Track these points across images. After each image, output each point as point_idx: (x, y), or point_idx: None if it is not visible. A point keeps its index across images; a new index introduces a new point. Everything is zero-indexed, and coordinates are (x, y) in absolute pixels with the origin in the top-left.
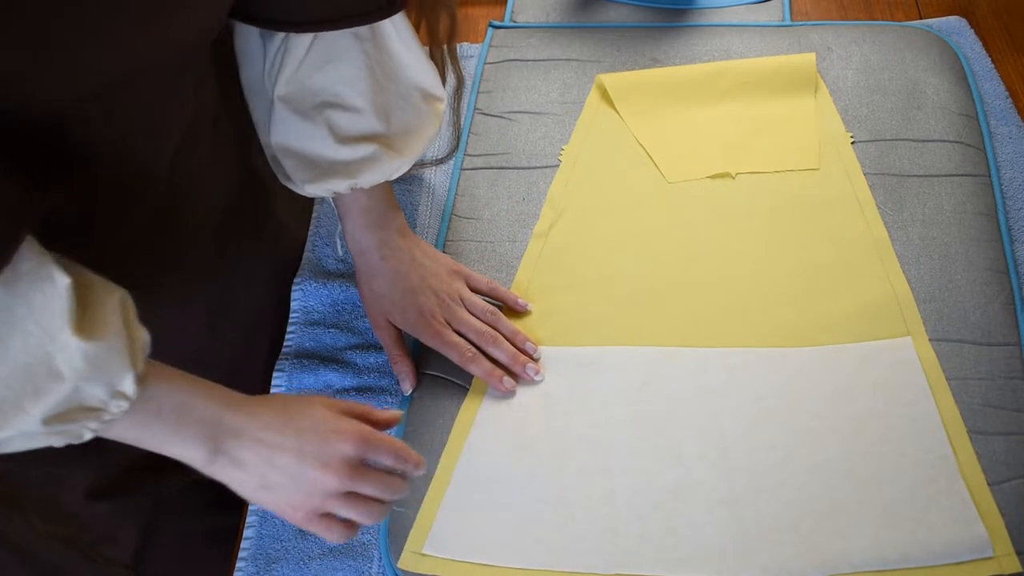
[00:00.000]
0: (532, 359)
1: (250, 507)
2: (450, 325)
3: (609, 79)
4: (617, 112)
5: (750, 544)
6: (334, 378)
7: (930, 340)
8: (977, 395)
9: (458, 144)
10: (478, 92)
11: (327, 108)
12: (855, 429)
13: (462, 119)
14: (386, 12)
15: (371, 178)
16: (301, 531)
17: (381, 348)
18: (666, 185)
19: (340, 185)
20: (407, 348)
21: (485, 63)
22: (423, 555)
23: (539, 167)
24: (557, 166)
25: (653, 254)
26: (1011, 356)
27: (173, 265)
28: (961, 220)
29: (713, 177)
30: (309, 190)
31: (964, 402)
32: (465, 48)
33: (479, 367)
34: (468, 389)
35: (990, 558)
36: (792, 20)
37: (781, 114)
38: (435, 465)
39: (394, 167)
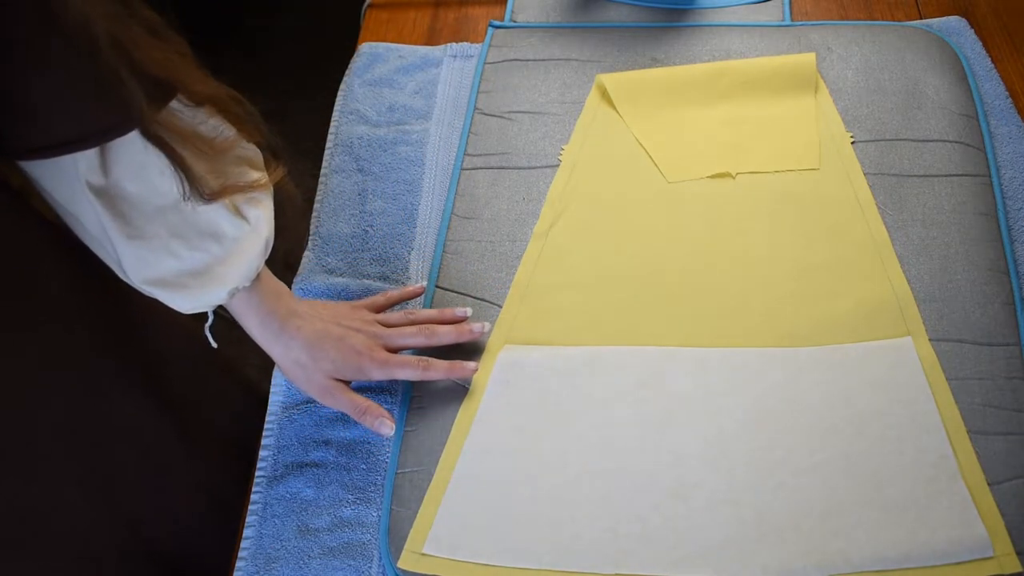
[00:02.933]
0: (468, 322)
1: (250, 507)
2: (387, 349)
3: (609, 79)
4: (617, 112)
5: (750, 544)
6: None
7: (930, 340)
8: (977, 395)
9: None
10: (478, 92)
11: (161, 215)
12: (855, 429)
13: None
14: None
15: (241, 271)
16: (301, 531)
17: None
18: (666, 185)
19: (218, 294)
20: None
21: (485, 63)
22: (423, 555)
23: (539, 167)
24: (557, 166)
25: (653, 254)
26: (1011, 356)
27: None
28: (961, 220)
29: (713, 177)
30: (188, 309)
31: (964, 402)
32: (465, 48)
33: (437, 371)
34: (468, 389)
35: (990, 558)
36: (792, 20)
37: (781, 114)
38: (435, 465)
39: (258, 249)
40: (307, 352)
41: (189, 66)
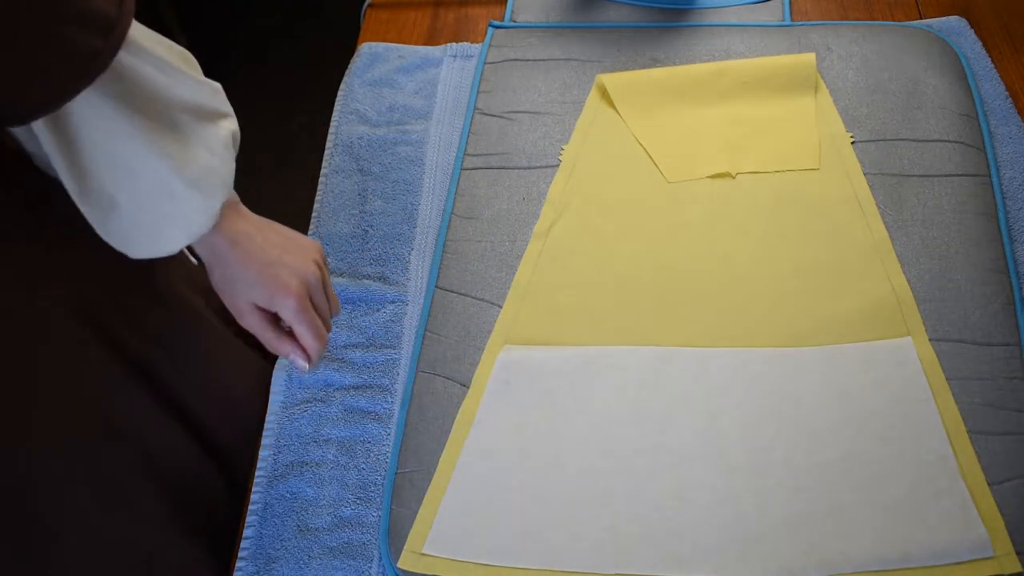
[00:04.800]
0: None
1: (250, 507)
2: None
3: (609, 79)
4: (617, 112)
5: (750, 544)
6: (334, 376)
7: (930, 340)
8: (977, 395)
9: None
10: (478, 92)
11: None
12: (855, 429)
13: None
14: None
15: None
16: (301, 531)
17: (382, 347)
18: (666, 185)
19: (171, 246)
20: (280, 328)
21: (485, 63)
22: (423, 555)
23: (539, 167)
24: (557, 166)
25: (653, 254)
26: (1011, 356)
27: None
28: (961, 220)
29: (713, 177)
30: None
31: (964, 402)
32: (465, 48)
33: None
34: (468, 389)
35: (990, 558)
36: (792, 20)
37: (781, 114)
38: (435, 465)
39: (214, 198)
40: (231, 270)
41: None
